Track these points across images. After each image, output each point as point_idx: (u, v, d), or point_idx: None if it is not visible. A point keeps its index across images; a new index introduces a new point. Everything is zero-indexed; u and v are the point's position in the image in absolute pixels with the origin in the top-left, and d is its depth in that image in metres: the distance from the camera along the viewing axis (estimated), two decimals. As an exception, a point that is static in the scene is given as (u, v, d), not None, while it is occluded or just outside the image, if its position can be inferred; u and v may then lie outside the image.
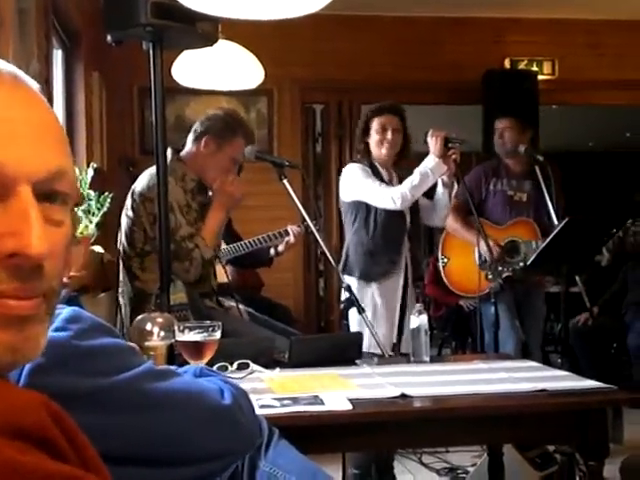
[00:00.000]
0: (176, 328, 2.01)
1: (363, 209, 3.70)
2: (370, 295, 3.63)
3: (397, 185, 3.72)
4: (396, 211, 3.65)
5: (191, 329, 2.00)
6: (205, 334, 2.00)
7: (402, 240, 3.73)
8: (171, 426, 1.18)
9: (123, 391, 1.14)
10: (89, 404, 1.08)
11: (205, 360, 2.02)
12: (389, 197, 3.58)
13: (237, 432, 1.28)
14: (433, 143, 3.57)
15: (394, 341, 3.65)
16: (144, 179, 3.12)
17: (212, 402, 1.25)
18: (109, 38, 2.67)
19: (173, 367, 1.44)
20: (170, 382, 1.21)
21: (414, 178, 3.56)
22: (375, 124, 3.71)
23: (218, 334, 2.02)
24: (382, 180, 3.71)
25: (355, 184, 3.69)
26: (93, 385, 1.11)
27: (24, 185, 0.67)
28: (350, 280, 3.52)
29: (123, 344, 1.23)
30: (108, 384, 1.12)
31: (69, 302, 1.27)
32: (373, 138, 3.72)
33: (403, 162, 3.83)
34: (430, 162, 3.56)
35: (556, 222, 4.01)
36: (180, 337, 2.00)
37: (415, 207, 3.74)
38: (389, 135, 3.69)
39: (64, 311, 1.15)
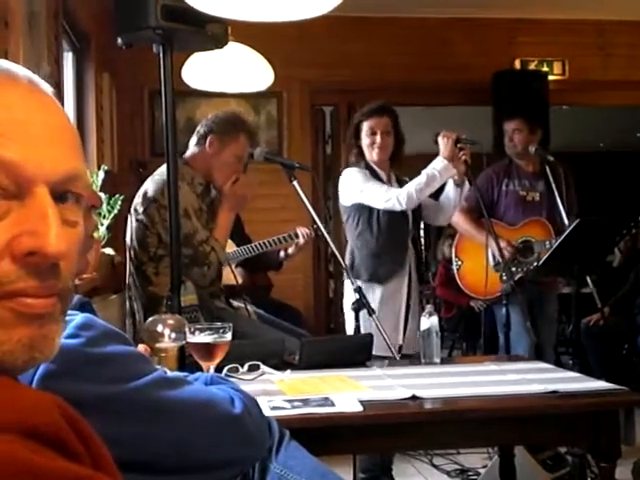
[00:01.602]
0: (187, 330, 2.01)
1: (366, 211, 3.66)
2: (373, 298, 3.57)
3: (395, 186, 3.71)
4: (399, 212, 3.63)
5: (202, 331, 2.00)
6: (216, 336, 2.00)
7: (406, 241, 3.70)
8: (180, 434, 1.18)
9: (133, 399, 1.14)
10: (99, 411, 1.08)
11: (216, 362, 2.02)
12: (394, 198, 3.54)
13: (246, 441, 1.28)
14: (443, 144, 3.54)
15: (400, 343, 3.63)
16: (156, 184, 3.11)
17: (222, 411, 1.25)
18: (119, 41, 2.68)
19: (184, 374, 1.45)
20: (180, 390, 1.22)
21: (421, 179, 3.54)
22: (365, 127, 3.68)
23: (229, 336, 2.02)
24: (381, 181, 3.68)
25: (356, 188, 3.64)
26: (104, 392, 1.11)
27: (41, 186, 0.68)
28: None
29: (134, 352, 1.23)
30: (118, 392, 1.13)
31: (82, 308, 1.28)
32: (364, 141, 3.70)
33: (397, 163, 3.80)
34: (438, 164, 3.53)
35: (567, 222, 4.00)
36: (191, 339, 2.00)
37: (417, 209, 3.72)
38: (378, 138, 3.66)
39: (76, 318, 1.15)
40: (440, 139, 3.56)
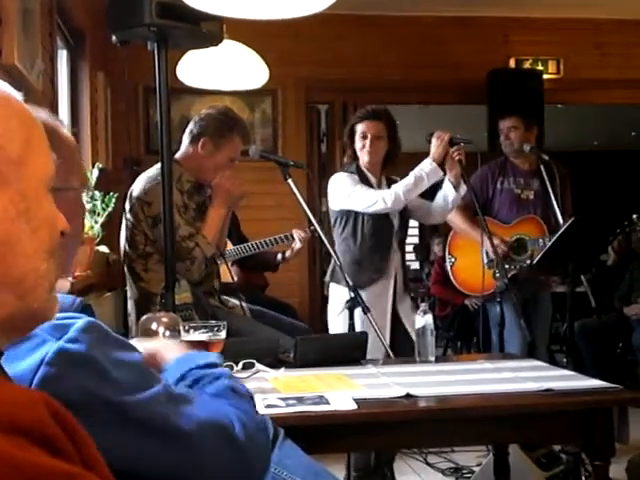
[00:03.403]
0: (181, 328, 2.01)
1: (351, 218, 3.64)
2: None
3: (385, 189, 3.68)
4: (383, 218, 3.60)
5: (196, 329, 2.00)
6: (210, 334, 2.00)
7: (390, 247, 3.66)
8: (177, 454, 1.14)
9: (133, 410, 1.11)
10: (96, 415, 1.06)
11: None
12: (380, 198, 3.52)
13: (246, 467, 1.21)
14: (436, 146, 3.52)
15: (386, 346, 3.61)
16: (140, 183, 3.12)
17: (223, 434, 1.19)
18: (114, 38, 2.68)
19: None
20: (182, 408, 1.17)
21: (409, 181, 3.52)
22: (358, 130, 3.67)
23: (223, 334, 2.02)
24: (370, 185, 3.65)
25: (343, 193, 3.63)
26: (102, 399, 1.09)
27: None
28: (339, 288, 3.50)
29: (138, 361, 1.19)
30: (119, 401, 1.10)
31: (83, 311, 1.25)
32: (357, 144, 3.68)
33: (390, 168, 3.77)
34: (427, 166, 3.51)
35: (561, 221, 4.00)
36: (185, 337, 2.00)
37: (405, 212, 3.70)
38: (368, 142, 3.63)
39: (78, 321, 1.12)
40: (433, 139, 3.55)
